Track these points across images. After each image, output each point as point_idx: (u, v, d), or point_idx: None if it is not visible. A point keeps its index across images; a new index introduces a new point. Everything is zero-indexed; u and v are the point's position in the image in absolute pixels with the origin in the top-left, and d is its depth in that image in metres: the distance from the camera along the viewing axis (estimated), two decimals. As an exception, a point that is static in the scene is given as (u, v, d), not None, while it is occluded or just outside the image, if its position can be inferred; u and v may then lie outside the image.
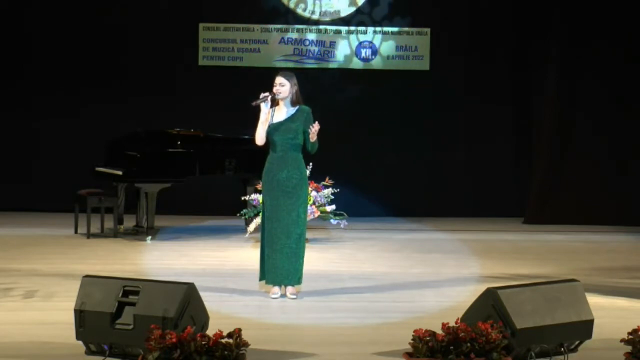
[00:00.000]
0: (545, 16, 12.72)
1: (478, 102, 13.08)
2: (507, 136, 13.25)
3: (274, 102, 7.31)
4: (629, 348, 5.34)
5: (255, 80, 12.40)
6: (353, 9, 13.16)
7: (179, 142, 10.52)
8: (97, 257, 9.20)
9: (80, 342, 5.48)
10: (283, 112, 7.32)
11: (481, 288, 5.69)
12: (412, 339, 5.32)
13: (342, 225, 10.49)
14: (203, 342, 5.07)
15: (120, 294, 5.41)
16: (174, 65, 12.85)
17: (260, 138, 7.31)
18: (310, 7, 13.11)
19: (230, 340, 5.14)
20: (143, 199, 10.53)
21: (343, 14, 13.16)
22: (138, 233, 10.73)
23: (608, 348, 5.67)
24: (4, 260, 8.80)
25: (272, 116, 7.31)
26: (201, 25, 13.03)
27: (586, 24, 12.49)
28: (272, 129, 7.28)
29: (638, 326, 5.39)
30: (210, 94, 12.83)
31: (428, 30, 13.15)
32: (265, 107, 7.28)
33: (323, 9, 13.11)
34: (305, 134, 7.26)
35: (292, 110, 7.32)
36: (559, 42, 12.63)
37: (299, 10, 13.11)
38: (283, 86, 7.29)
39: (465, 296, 7.10)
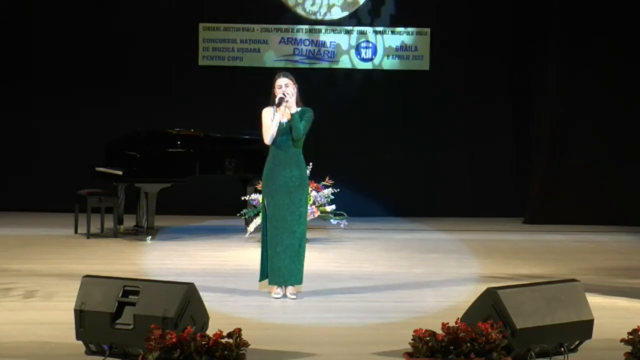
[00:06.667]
0: (544, 15, 12.74)
1: (478, 102, 13.09)
2: (507, 136, 13.26)
3: (280, 103, 7.27)
4: (629, 348, 5.33)
5: (255, 80, 12.43)
6: (353, 9, 13.16)
7: (179, 142, 10.52)
8: (97, 257, 9.20)
9: (80, 342, 5.48)
10: (288, 112, 7.29)
11: (481, 288, 5.69)
12: (412, 339, 5.31)
13: (342, 225, 10.49)
14: (203, 342, 5.07)
15: (120, 294, 5.41)
16: (174, 65, 12.86)
17: (271, 137, 7.28)
18: (310, 7, 13.11)
19: (230, 340, 5.14)
20: (143, 199, 10.53)
21: (343, 14, 13.16)
22: (138, 233, 10.73)
23: (608, 348, 5.66)
24: (4, 260, 8.79)
25: (277, 116, 7.28)
26: (201, 25, 13.04)
27: (586, 23, 12.50)
28: (280, 129, 7.26)
29: (638, 326, 5.38)
30: (210, 94, 12.83)
31: (428, 30, 13.16)
32: (282, 108, 7.25)
33: (323, 9, 13.11)
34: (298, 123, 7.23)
35: (297, 110, 7.30)
36: (559, 42, 12.64)
37: (299, 10, 13.11)
38: (288, 87, 7.27)
39: (465, 296, 7.09)
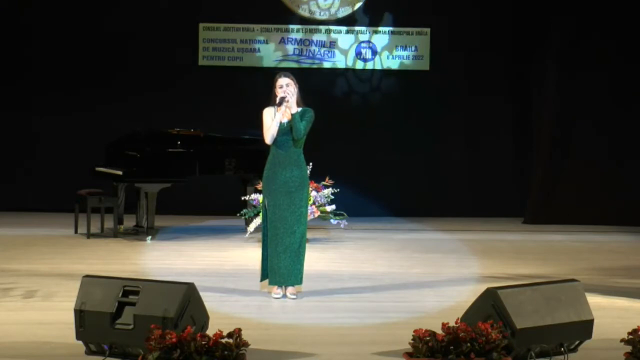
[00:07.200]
0: (545, 15, 12.73)
1: (478, 102, 13.09)
2: (507, 136, 13.26)
3: (281, 103, 7.27)
4: (629, 348, 5.33)
5: (255, 80, 12.44)
6: (353, 9, 13.16)
7: (179, 142, 10.52)
8: (97, 257, 9.20)
9: (80, 342, 5.48)
10: (289, 112, 7.29)
11: (481, 288, 5.69)
12: (412, 339, 5.31)
13: (342, 225, 10.49)
14: (203, 342, 5.07)
15: (120, 294, 5.41)
16: (174, 65, 12.85)
17: (272, 137, 7.29)
18: (310, 7, 13.11)
19: (230, 340, 5.14)
20: (143, 199, 10.53)
21: (343, 14, 13.16)
22: (138, 233, 10.73)
23: (608, 348, 5.67)
24: (4, 260, 8.79)
25: (278, 116, 7.29)
26: (201, 25, 13.04)
27: (586, 22, 12.49)
28: (280, 129, 7.27)
29: (638, 326, 5.38)
30: (210, 94, 12.84)
31: (428, 30, 13.16)
32: (283, 108, 7.26)
33: (323, 9, 13.11)
34: (299, 124, 7.23)
35: (298, 110, 7.30)
36: (559, 42, 12.64)
37: (299, 10, 13.11)
38: (289, 86, 7.27)
39: (465, 296, 7.10)
